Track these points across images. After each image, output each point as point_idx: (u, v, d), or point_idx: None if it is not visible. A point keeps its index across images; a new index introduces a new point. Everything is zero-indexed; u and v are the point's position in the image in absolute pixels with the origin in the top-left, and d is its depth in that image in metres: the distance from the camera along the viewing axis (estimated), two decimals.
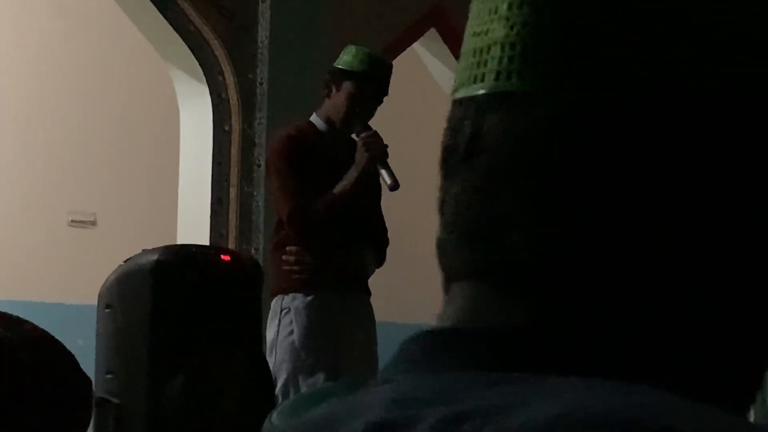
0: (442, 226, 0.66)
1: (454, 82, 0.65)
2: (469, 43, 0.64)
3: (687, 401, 0.53)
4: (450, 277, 0.65)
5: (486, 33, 0.63)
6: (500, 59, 0.61)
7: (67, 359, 1.17)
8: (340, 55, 4.42)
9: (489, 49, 0.62)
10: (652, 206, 0.59)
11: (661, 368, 0.59)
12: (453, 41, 7.50)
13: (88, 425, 1.17)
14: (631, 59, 0.60)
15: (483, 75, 0.61)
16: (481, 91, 0.61)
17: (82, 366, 1.20)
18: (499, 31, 0.62)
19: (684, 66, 0.60)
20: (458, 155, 0.63)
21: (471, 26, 0.64)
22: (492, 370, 0.58)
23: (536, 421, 0.51)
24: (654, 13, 0.60)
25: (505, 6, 0.62)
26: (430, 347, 0.62)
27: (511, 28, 0.61)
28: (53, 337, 1.17)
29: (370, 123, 4.39)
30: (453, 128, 0.65)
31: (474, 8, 0.65)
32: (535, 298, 0.61)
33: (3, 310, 1.19)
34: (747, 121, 0.60)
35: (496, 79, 0.61)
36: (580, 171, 0.60)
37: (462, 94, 0.63)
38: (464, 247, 0.63)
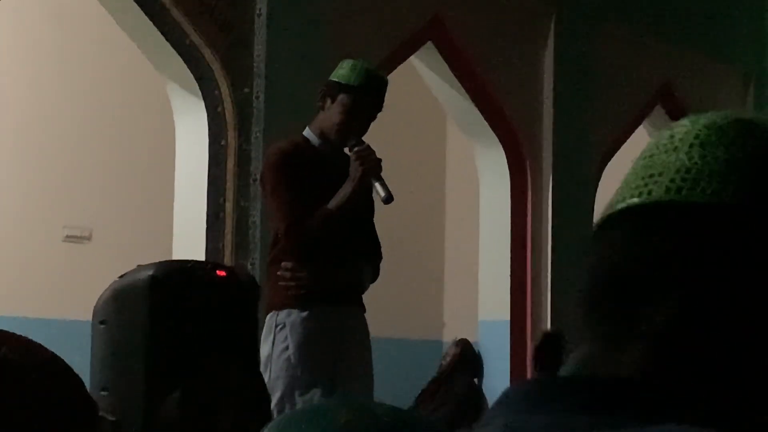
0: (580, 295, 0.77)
1: (619, 195, 0.78)
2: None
3: None
4: (579, 340, 0.75)
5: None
6: (672, 178, 0.74)
7: (75, 383, 1.18)
8: (336, 68, 4.41)
9: (661, 173, 0.75)
10: (745, 303, 0.71)
11: (728, 418, 0.68)
12: (450, 54, 7.51)
13: None
14: None
15: (651, 190, 0.75)
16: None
17: (71, 369, 1.20)
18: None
19: None
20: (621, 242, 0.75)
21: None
22: (597, 415, 0.65)
23: None
24: None
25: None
26: (542, 389, 0.70)
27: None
28: (62, 359, 1.17)
29: (367, 134, 4.38)
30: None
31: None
32: (657, 358, 0.70)
33: (8, 330, 1.19)
34: None
35: (668, 190, 0.74)
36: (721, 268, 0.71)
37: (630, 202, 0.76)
38: (605, 309, 0.74)
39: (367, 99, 4.34)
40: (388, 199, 4.22)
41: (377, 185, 4.23)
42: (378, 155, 4.29)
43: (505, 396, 0.71)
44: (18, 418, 1.09)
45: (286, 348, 4.28)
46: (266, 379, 4.08)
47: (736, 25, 9.27)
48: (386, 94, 4.50)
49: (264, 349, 4.28)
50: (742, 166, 0.72)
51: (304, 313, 4.29)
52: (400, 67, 7.32)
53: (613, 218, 0.76)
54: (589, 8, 8.18)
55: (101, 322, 3.49)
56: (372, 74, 4.43)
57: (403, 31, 7.17)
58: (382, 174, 4.26)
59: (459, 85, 7.64)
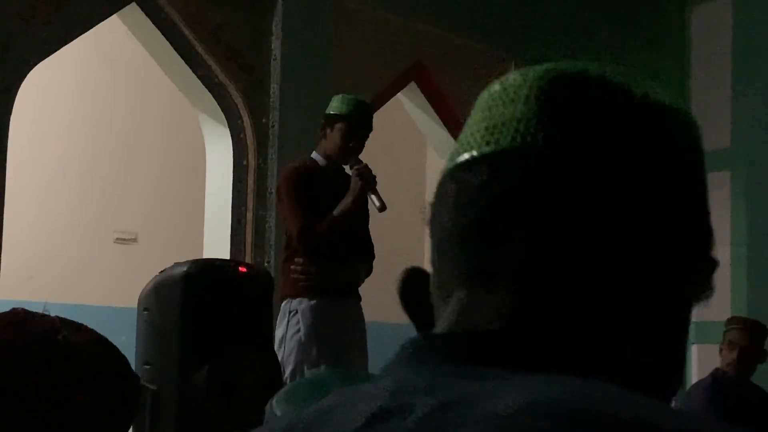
0: (441, 240, 0.70)
1: (458, 149, 0.71)
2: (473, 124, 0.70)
3: (626, 391, 0.55)
4: (448, 285, 0.68)
5: (497, 115, 0.69)
6: (516, 128, 0.67)
7: (120, 359, 1.18)
8: (330, 103, 4.43)
9: (503, 123, 0.68)
10: (605, 236, 0.64)
11: (606, 366, 0.61)
12: (430, 92, 7.51)
13: (137, 413, 1.17)
14: (602, 138, 0.67)
15: (498, 139, 0.68)
16: (496, 149, 0.67)
17: (119, 351, 1.20)
18: (509, 114, 0.68)
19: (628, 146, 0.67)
20: (473, 189, 0.67)
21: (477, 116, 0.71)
22: (472, 366, 0.59)
23: (507, 408, 0.52)
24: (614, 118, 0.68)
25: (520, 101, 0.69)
26: (422, 348, 0.64)
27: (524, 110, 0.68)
28: (108, 340, 1.18)
29: (364, 156, 4.39)
30: (460, 178, 0.69)
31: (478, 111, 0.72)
32: (516, 308, 0.63)
33: (63, 315, 1.19)
34: (658, 178, 0.67)
35: (512, 140, 0.67)
36: (563, 210, 0.64)
37: (477, 152, 0.69)
38: (470, 256, 0.66)
39: (358, 123, 4.35)
40: (382, 208, 4.25)
41: (373, 197, 4.25)
42: (373, 173, 4.32)
43: (402, 349, 0.65)
44: (78, 387, 1.10)
45: (298, 330, 4.28)
46: (280, 356, 4.07)
47: (661, 66, 9.26)
48: (378, 125, 4.52)
49: (279, 331, 4.28)
50: (570, 113, 0.67)
51: (313, 302, 4.29)
52: (389, 103, 7.31)
53: (463, 166, 0.69)
54: (540, 55, 8.15)
55: (145, 309, 3.48)
56: (359, 102, 4.44)
57: (391, 73, 7.16)
58: (377, 188, 4.29)
59: (437, 117, 7.64)
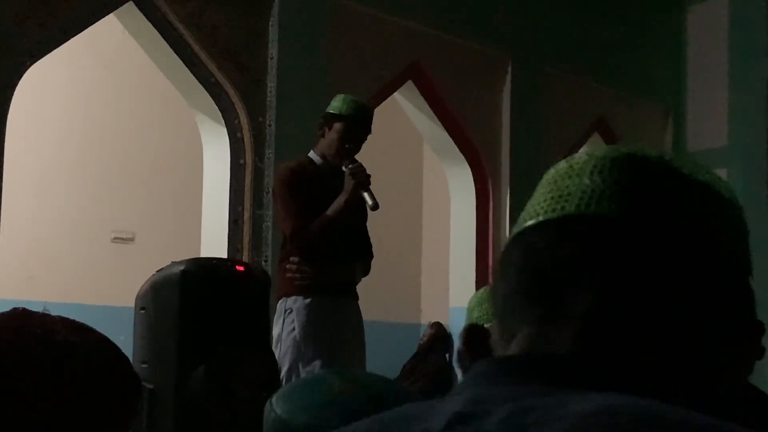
0: (506, 296, 0.78)
1: (524, 217, 0.80)
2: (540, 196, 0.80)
3: (684, 409, 0.63)
4: (514, 329, 0.76)
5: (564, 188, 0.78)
6: (581, 197, 0.76)
7: (122, 359, 1.19)
8: (331, 102, 4.40)
9: (569, 194, 0.77)
10: (655, 292, 0.74)
11: (663, 387, 0.69)
12: (426, 91, 7.51)
13: (137, 412, 1.18)
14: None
15: (563, 207, 0.76)
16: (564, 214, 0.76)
17: (120, 351, 1.21)
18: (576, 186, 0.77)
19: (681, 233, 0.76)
20: (540, 249, 0.76)
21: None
22: (544, 386, 0.66)
23: (586, 408, 0.60)
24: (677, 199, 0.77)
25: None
26: (496, 368, 0.71)
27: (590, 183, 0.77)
28: (111, 341, 1.18)
29: (360, 154, 4.37)
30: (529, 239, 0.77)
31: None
32: (587, 337, 0.72)
33: (65, 315, 1.19)
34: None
35: (578, 207, 0.76)
36: (624, 269, 0.74)
37: (543, 218, 0.77)
38: (536, 304, 0.75)
39: (357, 125, 4.33)
40: (375, 206, 4.22)
41: (366, 195, 4.21)
42: (368, 171, 4.30)
43: (472, 372, 0.72)
44: (79, 388, 1.10)
45: (293, 329, 4.26)
46: (277, 354, 4.06)
47: (658, 68, 9.28)
48: (375, 123, 4.49)
49: (275, 330, 4.27)
50: (632, 188, 0.76)
51: (307, 300, 4.28)
52: (386, 102, 7.32)
53: (531, 230, 0.78)
54: (537, 54, 8.19)
55: (142, 309, 3.47)
56: (359, 104, 4.42)
57: (388, 72, 7.17)
58: (371, 187, 4.26)
59: (434, 116, 7.65)
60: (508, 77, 7.96)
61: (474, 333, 2.56)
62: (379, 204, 4.21)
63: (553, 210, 0.77)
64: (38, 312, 1.14)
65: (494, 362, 0.73)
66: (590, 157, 0.79)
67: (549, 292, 0.75)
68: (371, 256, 4.49)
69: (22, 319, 1.12)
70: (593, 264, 0.74)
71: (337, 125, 4.31)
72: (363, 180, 4.23)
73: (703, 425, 0.61)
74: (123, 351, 1.22)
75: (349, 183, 4.23)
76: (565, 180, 0.78)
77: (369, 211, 4.38)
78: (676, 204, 0.76)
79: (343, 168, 4.29)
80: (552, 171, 0.81)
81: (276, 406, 1.29)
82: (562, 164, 0.81)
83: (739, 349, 0.77)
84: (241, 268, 3.71)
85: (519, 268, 0.77)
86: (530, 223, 0.78)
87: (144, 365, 3.36)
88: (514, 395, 0.65)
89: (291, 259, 4.31)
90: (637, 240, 0.74)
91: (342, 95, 4.45)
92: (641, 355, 0.73)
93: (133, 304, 3.52)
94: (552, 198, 0.78)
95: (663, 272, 0.74)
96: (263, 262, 6.09)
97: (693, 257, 0.75)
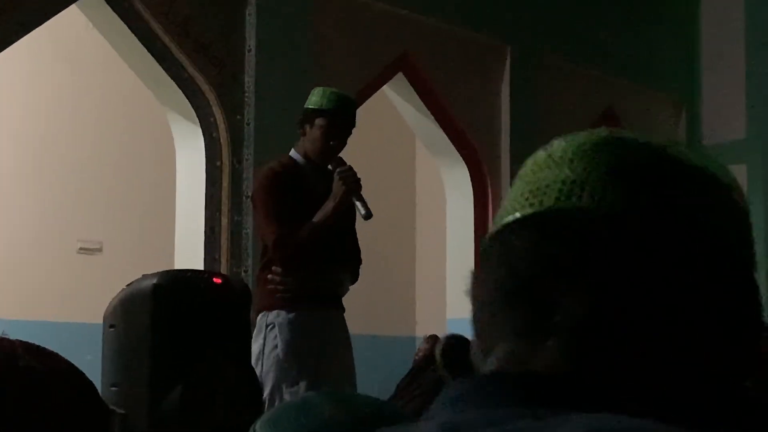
0: (484, 302, 0.75)
1: (502, 213, 0.77)
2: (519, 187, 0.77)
3: (672, 427, 0.62)
4: (492, 342, 0.73)
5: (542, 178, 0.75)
6: (561, 189, 0.73)
7: (88, 386, 1.17)
8: (309, 97, 4.40)
9: (548, 186, 0.74)
10: (653, 297, 0.70)
11: (648, 404, 0.68)
12: (418, 84, 7.53)
13: None
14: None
15: (541, 201, 0.73)
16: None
17: (90, 378, 1.20)
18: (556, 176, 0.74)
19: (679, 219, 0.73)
20: (518, 250, 0.73)
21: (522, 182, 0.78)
22: (527, 407, 0.65)
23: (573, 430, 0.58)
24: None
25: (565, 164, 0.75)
26: (474, 388, 0.70)
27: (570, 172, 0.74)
28: (76, 366, 1.17)
29: (346, 154, 4.38)
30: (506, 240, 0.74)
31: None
32: (573, 353, 0.70)
33: (22, 332, 1.19)
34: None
35: (557, 200, 0.73)
36: (615, 270, 0.71)
37: (520, 214, 0.75)
38: (518, 313, 0.72)
39: (339, 119, 4.33)
40: (368, 216, 4.22)
41: (358, 204, 4.22)
42: (358, 174, 4.29)
43: (445, 393, 0.70)
44: (39, 420, 1.09)
45: (275, 346, 4.27)
46: (258, 372, 4.07)
47: (670, 57, 9.32)
48: (363, 119, 4.50)
49: (255, 347, 4.26)
50: (618, 176, 0.72)
51: (291, 315, 4.28)
52: (375, 96, 7.33)
53: (508, 228, 0.74)
54: (539, 42, 8.21)
55: (111, 326, 3.47)
56: (341, 96, 4.42)
57: (377, 63, 7.19)
58: (363, 192, 4.26)
59: (426, 110, 7.66)
60: (507, 68, 7.98)
61: (454, 345, 2.50)
62: (372, 212, 4.21)
63: (531, 204, 0.74)
64: None
65: (468, 383, 0.70)
66: (569, 144, 0.77)
67: (529, 299, 0.71)
68: (360, 262, 4.49)
69: None
70: (577, 267, 0.71)
71: (319, 121, 4.32)
72: (353, 186, 4.23)
73: None
74: (90, 372, 1.23)
75: (338, 189, 4.23)
76: (543, 170, 0.76)
77: (358, 217, 4.39)
78: (668, 193, 0.73)
79: (330, 168, 4.30)
80: (530, 161, 0.78)
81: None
82: (540, 153, 0.78)
83: (742, 354, 0.75)
84: (219, 281, 3.72)
85: (496, 272, 0.74)
86: (507, 220, 0.75)
87: (114, 388, 3.37)
88: (493, 421, 0.63)
89: (273, 269, 4.31)
90: (626, 237, 0.71)
91: (320, 88, 4.45)
92: (636, 369, 0.70)
93: (101, 321, 3.53)
94: (530, 191, 0.75)
95: (658, 274, 0.71)
96: (243, 273, 6.09)
97: (691, 255, 0.72)
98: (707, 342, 0.72)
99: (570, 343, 0.70)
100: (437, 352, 2.44)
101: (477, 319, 0.75)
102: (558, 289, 0.70)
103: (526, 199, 0.74)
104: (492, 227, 0.77)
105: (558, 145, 0.77)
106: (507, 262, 0.73)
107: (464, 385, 0.70)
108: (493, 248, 0.75)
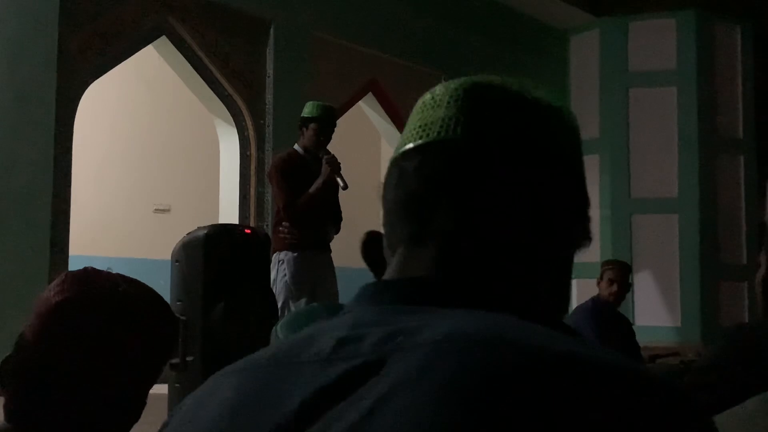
0: (387, 211, 0.68)
1: (400, 143, 0.68)
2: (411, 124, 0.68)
3: (528, 323, 0.54)
4: (394, 244, 0.66)
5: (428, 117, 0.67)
6: (441, 125, 0.65)
7: (165, 305, 1.15)
8: (304, 108, 4.39)
9: (432, 122, 0.66)
10: (509, 205, 0.63)
11: (514, 301, 0.61)
12: (383, 101, 7.49)
13: (176, 343, 1.14)
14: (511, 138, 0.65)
15: (428, 134, 0.66)
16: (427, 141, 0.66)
17: (163, 297, 1.17)
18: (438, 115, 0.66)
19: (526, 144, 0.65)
20: (409, 172, 0.66)
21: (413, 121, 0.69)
22: (410, 305, 0.58)
23: (436, 335, 0.52)
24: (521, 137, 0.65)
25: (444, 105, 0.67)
26: (375, 290, 0.62)
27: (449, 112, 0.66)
28: (154, 290, 1.14)
29: (333, 148, 4.37)
30: (402, 166, 0.67)
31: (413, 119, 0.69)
32: (443, 260, 0.63)
33: (115, 266, 1.16)
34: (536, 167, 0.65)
35: (438, 134, 0.65)
36: (477, 186, 0.64)
37: (413, 144, 0.66)
38: (407, 222, 0.65)
39: (326, 123, 4.33)
40: (345, 187, 4.23)
41: (338, 179, 4.23)
42: (338, 159, 4.30)
43: (359, 293, 0.63)
44: (135, 328, 1.08)
45: (284, 275, 4.28)
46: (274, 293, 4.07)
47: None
48: (344, 125, 4.49)
49: (272, 275, 4.29)
50: (480, 112, 0.65)
51: (295, 254, 4.29)
52: (353, 108, 7.30)
53: (403, 155, 0.67)
54: (463, 71, 8.12)
55: (176, 261, 3.48)
56: (326, 107, 4.41)
57: (353, 86, 7.15)
58: (342, 172, 4.27)
59: (389, 119, 7.64)
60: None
61: (371, 239, 2.29)
62: (349, 185, 4.22)
63: (419, 137, 0.66)
64: (103, 270, 1.12)
65: (374, 286, 0.63)
66: (446, 89, 0.68)
67: (417, 211, 0.64)
68: (341, 219, 4.50)
69: (91, 276, 1.10)
70: (449, 186, 0.63)
71: (312, 125, 4.31)
72: (336, 167, 4.25)
73: (546, 347, 0.51)
74: (162, 292, 1.19)
75: (325, 169, 4.24)
76: (429, 110, 0.67)
77: (341, 191, 4.39)
78: (515, 121, 0.65)
79: (320, 156, 4.30)
80: (420, 102, 0.69)
81: (280, 331, 1.31)
82: (428, 96, 0.69)
83: (574, 243, 0.67)
84: (249, 231, 3.73)
85: (394, 188, 0.67)
86: (404, 149, 0.67)
87: (179, 302, 3.37)
88: (385, 318, 0.56)
89: (283, 224, 4.33)
90: (484, 161, 0.63)
91: (312, 102, 4.45)
92: (494, 270, 0.62)
93: (170, 258, 3.54)
94: (420, 127, 0.67)
95: (509, 190, 0.63)
96: (264, 227, 6.10)
97: (535, 172, 0.64)
98: (550, 246, 0.65)
99: (442, 250, 0.62)
100: (361, 244, 2.21)
101: (384, 224, 0.69)
102: (436, 203, 0.63)
103: (417, 133, 0.67)
104: (393, 154, 0.69)
105: (439, 89, 0.69)
106: (401, 181, 0.66)
107: (368, 288, 0.63)
108: (393, 170, 0.68)
